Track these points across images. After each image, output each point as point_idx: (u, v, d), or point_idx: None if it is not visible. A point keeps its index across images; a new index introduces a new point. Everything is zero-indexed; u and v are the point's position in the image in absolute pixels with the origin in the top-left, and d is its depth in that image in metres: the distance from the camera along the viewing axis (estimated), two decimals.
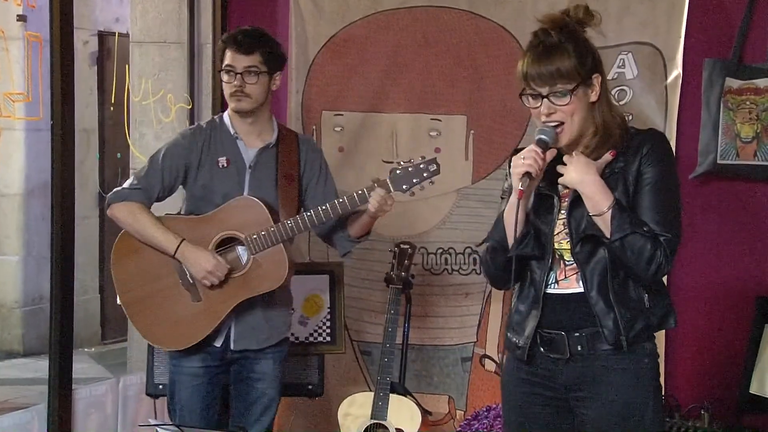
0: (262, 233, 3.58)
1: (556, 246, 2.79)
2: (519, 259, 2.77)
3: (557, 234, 2.78)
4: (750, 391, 4.17)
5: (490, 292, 4.71)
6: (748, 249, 4.36)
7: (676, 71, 4.41)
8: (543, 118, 2.72)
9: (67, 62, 3.99)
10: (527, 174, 2.66)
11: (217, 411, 3.84)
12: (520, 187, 2.66)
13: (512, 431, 2.94)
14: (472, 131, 4.73)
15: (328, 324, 4.32)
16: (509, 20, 4.63)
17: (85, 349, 7.22)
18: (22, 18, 7.62)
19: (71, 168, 4.04)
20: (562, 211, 2.78)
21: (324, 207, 3.60)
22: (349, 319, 4.68)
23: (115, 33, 8.46)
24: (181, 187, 3.80)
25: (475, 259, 4.71)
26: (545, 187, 2.79)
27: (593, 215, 2.69)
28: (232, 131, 3.76)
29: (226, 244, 3.65)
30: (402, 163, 3.67)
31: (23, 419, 4.10)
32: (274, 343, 3.79)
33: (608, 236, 2.67)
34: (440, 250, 4.78)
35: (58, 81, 3.96)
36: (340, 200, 3.61)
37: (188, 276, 3.62)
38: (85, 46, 8.30)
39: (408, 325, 4.42)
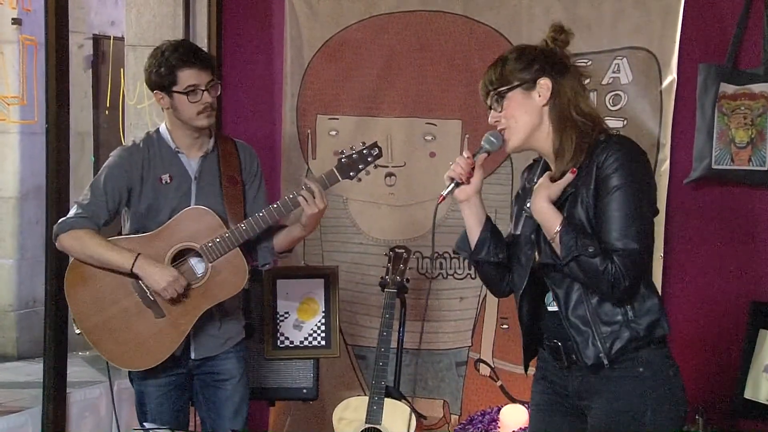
0: (217, 240, 3.55)
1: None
2: (485, 263, 2.91)
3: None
4: (744, 396, 4.17)
5: (485, 296, 4.71)
6: (743, 254, 4.37)
7: (671, 76, 4.42)
8: (493, 123, 2.84)
9: (62, 65, 3.98)
10: (452, 180, 2.83)
11: (186, 418, 3.84)
12: (442, 192, 2.84)
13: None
14: (467, 135, 4.73)
15: (322, 328, 4.32)
16: (504, 24, 4.64)
17: (80, 353, 7.19)
18: (17, 21, 7.62)
19: (66, 171, 4.03)
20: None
21: (276, 205, 3.57)
22: (344, 323, 4.69)
23: (110, 36, 8.47)
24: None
25: (470, 264, 4.71)
26: (528, 209, 2.83)
27: (549, 240, 2.72)
28: (173, 146, 3.70)
29: (181, 257, 3.62)
30: (345, 151, 3.65)
31: (17, 422, 4.09)
32: (232, 345, 3.79)
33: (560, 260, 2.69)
34: (435, 255, 4.78)
35: (53, 84, 3.96)
36: (291, 196, 3.57)
37: (148, 293, 3.58)
38: (80, 50, 8.30)
39: (403, 329, 4.42)
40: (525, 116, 2.78)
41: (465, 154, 2.83)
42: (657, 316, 2.74)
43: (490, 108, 2.83)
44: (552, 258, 2.72)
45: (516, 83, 2.77)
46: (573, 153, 2.73)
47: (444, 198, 2.83)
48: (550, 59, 2.80)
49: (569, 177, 2.71)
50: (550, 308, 2.83)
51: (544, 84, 2.76)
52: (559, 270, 2.72)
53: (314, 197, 3.55)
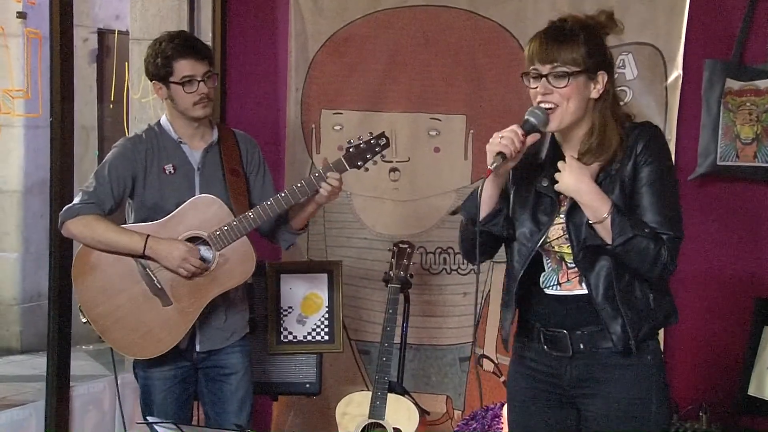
0: (225, 228, 3.57)
1: (557, 249, 2.79)
2: (487, 234, 2.80)
3: (557, 238, 2.78)
4: (748, 393, 4.16)
5: (489, 292, 4.70)
6: (747, 250, 4.35)
7: (677, 72, 4.40)
8: (539, 98, 2.70)
9: (66, 59, 3.98)
10: (500, 154, 2.65)
11: (190, 412, 3.85)
12: (490, 166, 2.66)
13: (516, 427, 2.96)
14: (471, 131, 4.72)
15: (326, 323, 4.32)
16: (509, 20, 4.63)
17: (83, 347, 7.21)
18: (22, 15, 7.62)
19: (70, 165, 4.04)
20: (561, 215, 2.77)
21: (283, 193, 3.60)
22: (348, 318, 4.68)
23: (114, 30, 8.46)
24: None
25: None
26: (547, 187, 2.78)
27: (593, 223, 2.67)
28: (175, 136, 3.73)
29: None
30: (352, 141, 3.67)
31: (21, 416, 4.10)
32: (237, 339, 3.80)
33: (609, 242, 2.65)
34: (439, 250, 4.78)
35: (57, 78, 3.96)
36: (299, 184, 3.60)
37: (156, 281, 3.59)
38: (84, 44, 8.30)
39: (406, 324, 4.42)
40: (578, 103, 2.70)
41: (517, 129, 2.67)
42: (672, 306, 2.84)
43: (541, 77, 2.68)
44: (599, 240, 2.67)
45: (583, 68, 2.67)
46: (616, 149, 2.72)
47: (492, 172, 2.67)
48: (607, 52, 2.75)
49: (599, 163, 2.72)
50: (548, 291, 2.81)
51: (602, 78, 2.71)
52: (592, 253, 2.70)
53: (337, 188, 3.60)
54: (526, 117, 2.70)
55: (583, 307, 2.76)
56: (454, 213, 2.96)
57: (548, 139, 2.84)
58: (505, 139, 2.66)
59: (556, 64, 2.67)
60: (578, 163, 2.71)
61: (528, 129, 2.68)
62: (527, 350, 2.88)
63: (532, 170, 2.82)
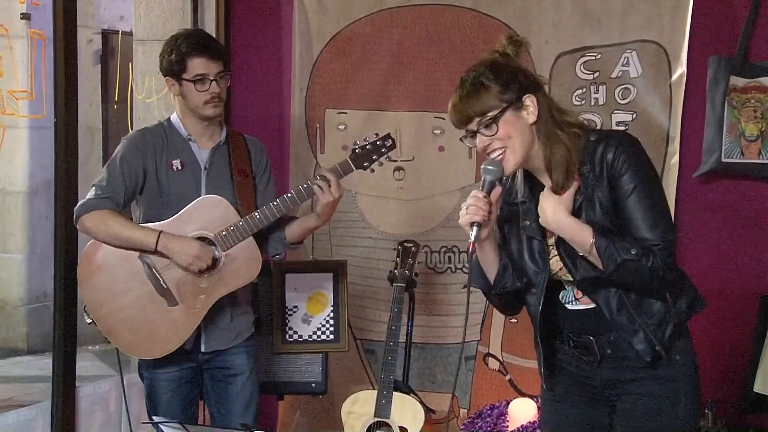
0: (232, 228, 3.57)
1: (564, 278, 2.78)
2: (506, 293, 2.81)
3: (560, 269, 2.76)
4: (754, 390, 4.16)
5: None
6: (753, 248, 4.36)
7: (681, 69, 4.40)
8: (484, 153, 2.71)
9: (70, 60, 3.98)
10: (475, 224, 2.65)
11: (196, 412, 3.85)
12: (471, 240, 2.64)
13: (549, 424, 2.97)
14: None
15: (331, 322, 4.32)
16: (513, 18, 4.63)
17: (89, 347, 7.22)
18: (26, 16, 7.64)
19: (75, 166, 4.03)
20: (553, 247, 2.77)
21: (290, 194, 3.60)
22: (353, 317, 4.69)
23: (118, 31, 8.48)
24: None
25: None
26: (530, 226, 2.77)
27: (582, 254, 2.66)
28: (184, 133, 3.73)
29: None
30: (358, 142, 3.68)
31: (27, 417, 4.10)
32: (242, 340, 3.80)
33: (602, 269, 2.65)
34: (444, 249, 4.78)
35: (61, 79, 3.96)
36: (305, 185, 3.61)
37: (162, 282, 3.59)
38: (88, 44, 8.31)
39: (411, 323, 4.42)
40: (521, 136, 2.68)
41: (479, 194, 2.66)
42: (693, 293, 2.80)
43: (475, 133, 2.70)
44: (592, 271, 2.66)
45: (505, 105, 2.67)
46: (568, 164, 2.69)
47: (474, 246, 2.65)
48: (524, 75, 2.73)
49: (575, 185, 2.69)
50: (570, 306, 2.81)
51: (530, 102, 2.69)
52: (590, 281, 2.70)
53: (329, 186, 3.57)
54: (483, 177, 2.69)
55: (605, 317, 2.76)
56: (467, 287, 2.90)
57: (519, 178, 2.82)
58: (471, 208, 2.65)
59: (478, 118, 2.68)
60: (552, 196, 2.70)
61: (489, 189, 2.68)
62: (559, 352, 2.89)
63: (515, 210, 2.82)
